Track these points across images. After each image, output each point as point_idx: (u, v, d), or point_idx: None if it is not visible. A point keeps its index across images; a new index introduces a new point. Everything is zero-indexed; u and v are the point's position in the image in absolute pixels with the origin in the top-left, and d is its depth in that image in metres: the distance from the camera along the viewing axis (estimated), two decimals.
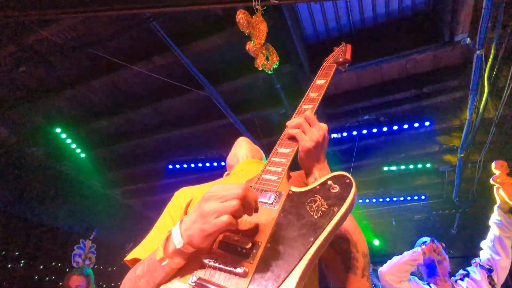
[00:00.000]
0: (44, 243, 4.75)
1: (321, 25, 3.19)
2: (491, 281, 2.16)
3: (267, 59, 1.79)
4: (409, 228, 7.08)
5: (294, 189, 0.82)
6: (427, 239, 2.48)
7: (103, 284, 5.43)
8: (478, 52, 2.81)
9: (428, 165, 4.75)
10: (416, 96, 3.73)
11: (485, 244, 2.30)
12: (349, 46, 1.43)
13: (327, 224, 0.71)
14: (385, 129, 3.98)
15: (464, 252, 6.62)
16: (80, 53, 3.19)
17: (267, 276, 0.66)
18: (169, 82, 3.33)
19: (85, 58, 3.29)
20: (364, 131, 4.01)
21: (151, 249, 0.89)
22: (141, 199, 5.93)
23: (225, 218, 0.67)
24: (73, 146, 4.32)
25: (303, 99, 1.11)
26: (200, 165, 4.76)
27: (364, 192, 6.00)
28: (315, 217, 0.73)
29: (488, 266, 2.21)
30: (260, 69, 1.72)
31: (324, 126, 0.97)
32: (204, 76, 3.22)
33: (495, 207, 2.24)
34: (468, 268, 2.33)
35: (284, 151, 0.95)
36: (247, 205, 0.70)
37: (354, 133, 4.03)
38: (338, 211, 0.73)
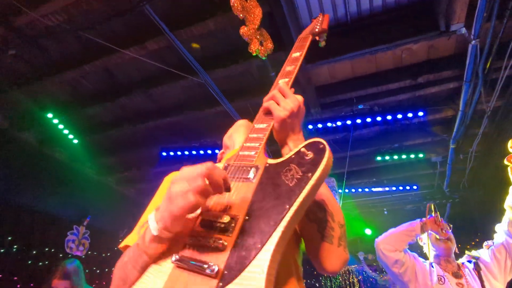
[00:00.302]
0: (37, 229, 4.74)
1: (316, 13, 3.15)
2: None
3: (261, 44, 1.77)
4: (401, 217, 7.17)
5: (270, 161, 0.83)
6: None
7: (97, 270, 5.47)
8: (473, 42, 2.81)
9: (421, 155, 4.80)
10: (410, 86, 3.74)
11: (500, 227, 2.20)
12: (326, 16, 1.42)
13: (302, 190, 0.72)
14: (379, 118, 3.99)
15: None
16: (71, 37, 3.13)
17: (245, 247, 0.67)
18: (162, 67, 3.29)
19: (77, 42, 3.23)
20: (358, 121, 4.03)
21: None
22: (134, 186, 5.93)
23: (191, 197, 0.67)
24: (66, 131, 4.28)
25: (280, 73, 1.11)
26: (194, 152, 4.75)
27: (357, 181, 6.06)
28: (290, 185, 0.74)
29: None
30: (254, 54, 1.70)
31: (299, 97, 0.96)
32: (198, 62, 3.19)
33: (510, 189, 2.19)
34: (479, 250, 2.23)
35: (260, 126, 0.96)
36: (215, 183, 0.70)
37: (348, 122, 4.04)
38: (312, 176, 0.74)
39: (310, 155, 0.78)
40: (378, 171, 5.75)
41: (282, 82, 1.04)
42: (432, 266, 2.15)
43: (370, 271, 7.50)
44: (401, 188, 6.03)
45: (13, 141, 4.24)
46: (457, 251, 2.24)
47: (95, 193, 5.52)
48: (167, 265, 0.73)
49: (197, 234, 0.73)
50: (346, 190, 6.16)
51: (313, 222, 0.89)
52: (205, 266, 0.65)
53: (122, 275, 0.82)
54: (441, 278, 2.07)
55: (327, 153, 0.77)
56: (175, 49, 3.05)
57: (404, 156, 4.81)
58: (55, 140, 4.43)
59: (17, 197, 4.42)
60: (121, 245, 0.98)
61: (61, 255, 4.79)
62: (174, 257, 0.70)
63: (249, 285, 0.62)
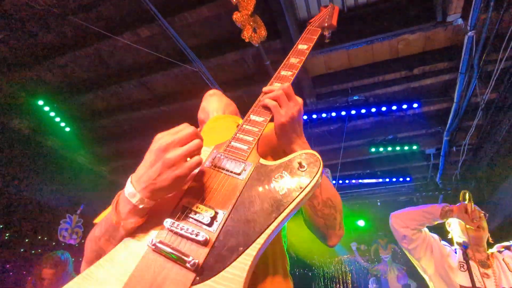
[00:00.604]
0: (30, 217, 4.71)
1: (313, 1, 3.11)
2: None
3: (254, 31, 1.74)
4: (394, 209, 7.24)
5: (263, 161, 0.82)
6: None
7: None
8: (469, 34, 2.79)
9: (415, 147, 4.81)
10: (406, 77, 3.73)
11: None
12: (336, 9, 1.36)
13: (290, 203, 0.72)
14: (373, 110, 3.99)
15: (445, 232, 6.85)
16: (62, 22, 3.05)
17: (227, 247, 0.68)
18: (156, 55, 3.23)
19: (68, 27, 3.15)
20: (353, 112, 4.02)
21: None
22: (127, 176, 5.87)
23: (198, 158, 0.71)
24: (57, 119, 4.22)
25: (283, 63, 1.06)
26: None
27: (351, 173, 6.08)
28: (280, 193, 0.74)
29: None
30: (247, 41, 1.67)
31: (299, 100, 0.95)
32: (192, 50, 3.14)
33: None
34: None
35: (257, 119, 0.92)
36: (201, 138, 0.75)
37: (343, 113, 4.03)
38: (302, 190, 0.74)
39: (304, 167, 0.78)
40: (372, 163, 5.77)
41: (286, 76, 1.01)
42: (455, 252, 2.10)
43: (362, 261, 7.61)
44: (394, 179, 6.08)
45: (3, 129, 4.17)
46: (491, 240, 2.12)
47: (88, 182, 5.49)
48: (141, 245, 0.71)
49: (178, 220, 0.72)
50: (340, 181, 6.19)
51: (321, 218, 0.98)
52: (187, 258, 0.64)
53: (94, 247, 0.79)
54: (463, 265, 1.99)
55: (320, 168, 0.77)
56: (169, 36, 2.99)
57: (398, 148, 4.83)
58: (47, 128, 4.37)
59: (9, 185, 4.38)
60: (97, 220, 0.96)
61: (54, 243, 4.79)
62: (152, 240, 0.68)
63: (227, 286, 0.63)
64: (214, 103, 1.37)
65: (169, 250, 0.66)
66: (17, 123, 4.23)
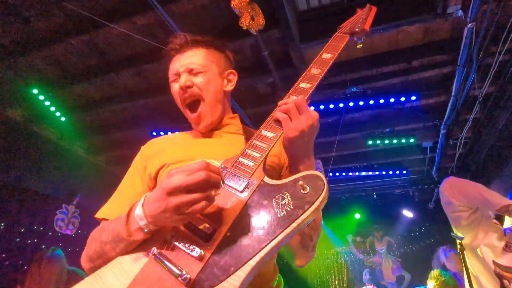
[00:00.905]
0: (26, 207, 4.69)
1: None
2: None
3: (252, 19, 1.71)
4: (390, 202, 7.34)
5: (267, 180, 0.81)
6: None
7: None
8: (469, 25, 2.77)
9: (412, 140, 4.82)
10: (404, 69, 3.71)
11: None
12: (373, 10, 1.24)
13: (287, 226, 0.71)
14: (371, 102, 3.97)
15: (439, 225, 6.93)
16: (56, 9, 2.99)
17: (219, 265, 0.69)
18: (152, 44, 3.18)
19: (63, 14, 3.09)
20: (351, 104, 4.00)
21: (119, 210, 0.93)
22: (124, 166, 5.84)
23: (201, 205, 0.68)
24: (52, 109, 4.17)
25: (304, 73, 1.00)
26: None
27: (348, 165, 6.10)
28: (278, 215, 0.73)
29: None
30: (245, 28, 1.64)
31: (314, 115, 0.90)
32: None
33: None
34: None
35: (268, 135, 0.90)
36: (213, 184, 0.71)
37: (341, 105, 4.02)
38: (301, 214, 0.72)
39: (306, 189, 0.75)
40: (369, 156, 5.79)
41: (305, 88, 0.96)
42: (505, 233, 2.03)
43: (358, 253, 7.69)
44: (391, 172, 6.10)
45: None
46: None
47: (84, 172, 5.46)
48: (145, 254, 0.75)
49: (179, 234, 0.75)
50: (337, 174, 6.20)
51: (298, 235, 0.94)
52: (179, 272, 0.67)
53: (99, 249, 0.84)
54: (510, 246, 1.95)
55: (324, 193, 0.74)
56: (165, 25, 2.94)
57: (395, 141, 4.83)
58: (42, 117, 4.32)
59: (5, 174, 4.34)
60: (99, 216, 0.98)
61: (50, 233, 4.77)
62: (153, 250, 0.73)
63: None
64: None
65: (165, 262, 0.70)
66: (12, 112, 4.18)
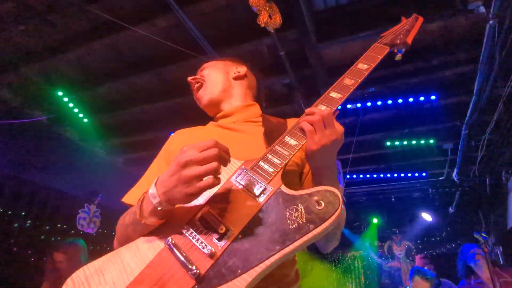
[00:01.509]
0: (50, 206, 4.87)
1: None
2: None
3: (270, 17, 1.74)
4: (408, 205, 7.18)
5: (283, 188, 0.82)
6: None
7: (107, 247, 5.61)
8: (491, 22, 2.71)
9: (432, 141, 4.71)
10: (423, 68, 3.64)
11: None
12: (420, 20, 1.18)
13: (297, 239, 0.72)
14: (389, 102, 3.92)
15: (461, 230, 6.72)
16: (80, 13, 3.12)
17: (227, 266, 0.72)
18: (171, 46, 3.26)
19: (85, 18, 3.22)
20: (369, 103, 3.96)
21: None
22: (143, 167, 5.97)
23: (210, 181, 0.73)
24: (76, 110, 4.32)
25: (336, 83, 0.99)
26: None
27: (366, 167, 6.02)
28: (290, 227, 0.75)
29: None
30: (263, 26, 1.67)
31: (339, 129, 0.89)
32: (207, 40, 3.15)
33: None
34: None
35: (291, 142, 0.91)
36: (223, 160, 0.77)
37: (358, 105, 3.98)
38: (313, 229, 0.73)
39: (321, 205, 0.76)
40: (387, 157, 5.69)
41: (335, 99, 0.95)
42: None
43: (376, 257, 7.54)
44: (409, 175, 5.98)
45: (24, 119, 4.30)
46: None
47: (105, 173, 5.61)
48: (161, 242, 0.79)
49: (195, 229, 0.78)
50: (354, 176, 6.13)
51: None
52: (190, 266, 0.71)
53: (124, 232, 0.90)
54: None
55: (337, 212, 0.74)
56: (185, 27, 3.02)
57: (414, 142, 4.74)
58: (66, 118, 4.48)
59: (30, 174, 4.52)
60: (126, 200, 1.04)
61: (72, 232, 4.92)
62: (169, 240, 0.77)
63: None
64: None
65: (178, 254, 0.74)
66: (37, 113, 4.36)
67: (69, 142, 4.97)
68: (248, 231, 0.75)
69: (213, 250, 0.73)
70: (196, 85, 1.35)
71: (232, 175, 0.86)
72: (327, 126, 0.87)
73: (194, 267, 0.70)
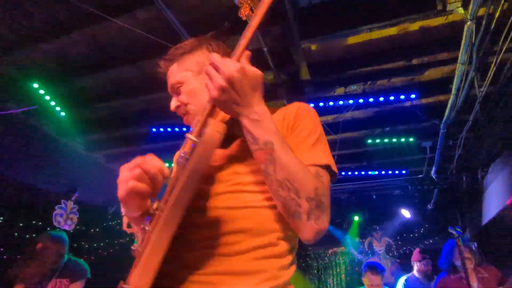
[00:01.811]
0: (24, 202, 4.70)
1: None
2: None
3: (251, 11, 1.71)
4: (389, 203, 7.33)
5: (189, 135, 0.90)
6: None
7: (85, 245, 5.48)
8: (469, 23, 2.77)
9: (411, 139, 4.82)
10: (404, 67, 3.70)
11: None
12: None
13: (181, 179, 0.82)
14: (371, 100, 3.97)
15: (438, 226, 6.92)
16: (57, 3, 3.00)
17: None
18: (153, 39, 3.18)
19: (63, 8, 3.10)
20: (351, 101, 4.00)
21: None
22: (124, 163, 5.86)
23: (130, 184, 0.82)
24: (52, 103, 4.17)
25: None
26: (184, 129, 4.69)
27: (348, 165, 6.09)
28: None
29: None
30: (244, 19, 1.63)
31: (236, 64, 0.86)
32: (189, 34, 3.09)
33: None
34: None
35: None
36: (147, 171, 0.85)
37: (341, 102, 4.02)
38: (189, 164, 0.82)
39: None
40: (367, 156, 5.77)
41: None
42: None
43: (356, 253, 7.67)
44: (390, 172, 6.09)
45: None
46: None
47: (83, 168, 5.46)
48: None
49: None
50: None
51: (278, 201, 0.88)
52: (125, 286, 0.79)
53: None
54: None
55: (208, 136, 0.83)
56: (166, 20, 2.95)
57: (394, 140, 4.83)
58: (42, 112, 4.32)
59: (3, 169, 4.35)
60: None
61: (48, 228, 4.77)
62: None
63: None
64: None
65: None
66: (11, 106, 4.18)
67: (45, 136, 4.79)
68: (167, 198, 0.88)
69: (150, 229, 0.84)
70: (183, 117, 1.20)
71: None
72: (217, 69, 0.85)
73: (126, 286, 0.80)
